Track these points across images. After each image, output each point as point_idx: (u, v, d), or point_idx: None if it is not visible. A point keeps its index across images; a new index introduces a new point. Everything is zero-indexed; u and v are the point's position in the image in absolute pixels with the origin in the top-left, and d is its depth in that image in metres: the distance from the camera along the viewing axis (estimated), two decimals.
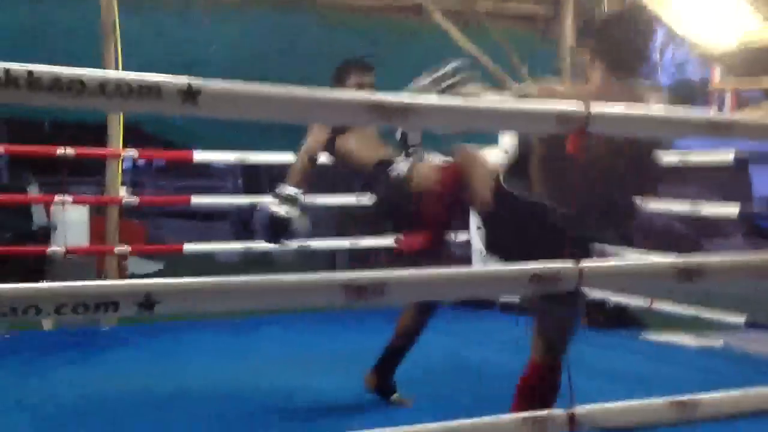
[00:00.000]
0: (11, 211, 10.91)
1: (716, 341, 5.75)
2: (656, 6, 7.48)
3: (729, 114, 7.26)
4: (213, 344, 5.46)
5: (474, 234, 6.64)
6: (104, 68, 5.83)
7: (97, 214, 6.90)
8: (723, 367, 4.94)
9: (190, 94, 1.50)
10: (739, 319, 5.29)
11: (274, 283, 1.66)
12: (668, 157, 5.99)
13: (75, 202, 5.75)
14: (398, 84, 8.39)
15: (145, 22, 6.73)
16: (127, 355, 5.16)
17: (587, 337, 5.78)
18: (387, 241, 7.42)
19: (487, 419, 2.03)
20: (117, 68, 5.96)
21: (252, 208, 13.04)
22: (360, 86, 4.27)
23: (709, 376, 4.37)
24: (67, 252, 5.58)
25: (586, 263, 1.94)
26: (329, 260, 11.62)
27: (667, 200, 6.05)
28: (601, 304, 6.22)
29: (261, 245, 6.19)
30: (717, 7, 6.62)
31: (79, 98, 1.43)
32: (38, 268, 9.19)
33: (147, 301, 1.56)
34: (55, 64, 4.95)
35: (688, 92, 4.20)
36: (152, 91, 1.47)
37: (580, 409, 2.02)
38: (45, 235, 11.06)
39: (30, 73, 1.41)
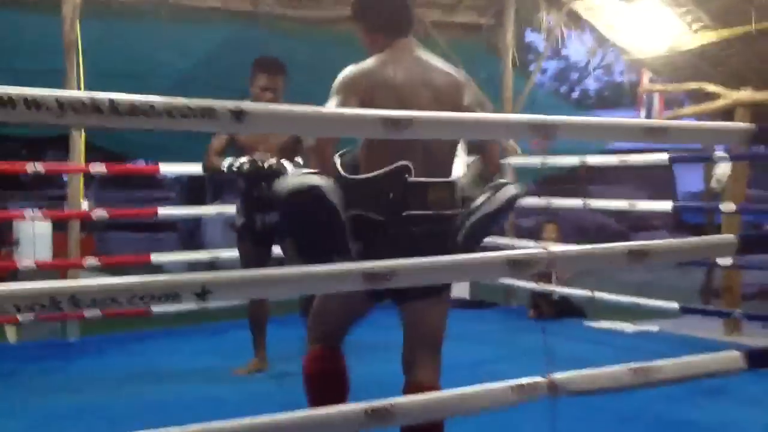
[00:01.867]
0: None
1: (652, 326, 6.20)
2: (589, 14, 7.95)
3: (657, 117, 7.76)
4: (187, 348, 5.63)
5: None
6: (66, 80, 5.98)
7: (57, 229, 6.99)
8: (659, 348, 5.33)
9: (238, 115, 1.79)
10: (674, 305, 5.65)
11: (310, 272, 1.95)
12: (608, 158, 6.46)
13: (45, 216, 5.85)
14: None
15: (104, 31, 6.85)
16: (99, 364, 5.24)
17: (535, 325, 6.22)
18: None
19: (477, 387, 2.34)
20: (78, 81, 6.07)
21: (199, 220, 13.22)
22: (264, 89, 4.52)
23: (647, 356, 4.75)
24: (37, 266, 5.68)
25: (556, 248, 2.28)
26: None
27: (603, 198, 6.44)
28: (547, 296, 6.62)
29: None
30: (646, 15, 7.06)
31: (151, 120, 1.71)
32: None
33: (203, 291, 1.84)
34: (17, 76, 5.13)
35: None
36: (208, 112, 1.76)
37: (558, 376, 2.36)
38: None
39: (111, 100, 1.68)
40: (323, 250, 2.49)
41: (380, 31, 2.81)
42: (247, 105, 1.81)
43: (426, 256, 2.26)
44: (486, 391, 2.36)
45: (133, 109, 1.70)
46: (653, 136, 2.46)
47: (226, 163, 4.44)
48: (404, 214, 2.52)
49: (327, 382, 2.68)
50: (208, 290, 1.85)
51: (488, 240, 6.82)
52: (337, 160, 2.60)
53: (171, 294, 1.82)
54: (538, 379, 2.38)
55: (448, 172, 2.70)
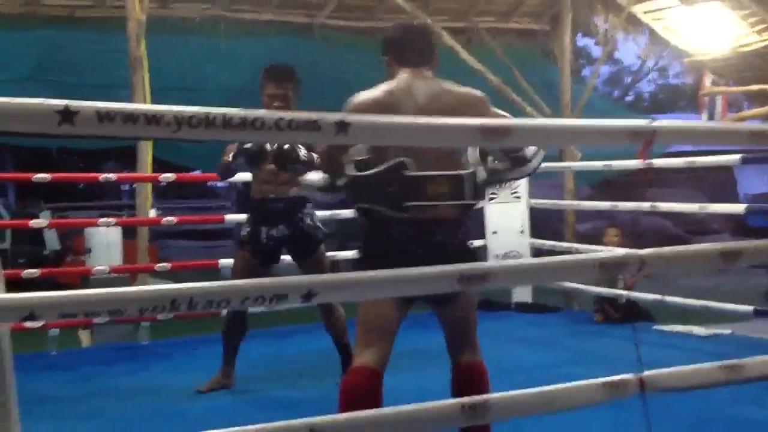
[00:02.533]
0: (24, 237, 11.19)
1: (725, 329, 6.09)
2: (648, 17, 7.93)
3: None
4: (252, 353, 5.73)
5: (489, 239, 7.03)
6: (133, 95, 6.16)
7: (125, 237, 7.20)
8: (734, 351, 5.25)
9: (342, 127, 1.87)
10: (748, 308, 5.56)
11: (405, 275, 2.02)
12: (674, 161, 6.37)
13: (119, 224, 6.03)
14: None
15: (163, 46, 7.03)
16: (171, 366, 5.40)
17: (602, 330, 6.18)
18: None
19: (570, 385, 2.39)
20: (144, 95, 6.23)
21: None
22: (271, 97, 4.35)
23: (722, 359, 4.71)
24: (111, 271, 5.86)
25: (647, 251, 2.31)
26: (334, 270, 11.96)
27: (667, 201, 6.35)
28: (613, 300, 6.56)
29: None
30: (708, 17, 7.02)
31: (261, 132, 1.80)
32: (61, 289, 9.47)
33: (309, 293, 1.93)
34: (85, 89, 5.31)
35: None
36: (314, 124, 1.84)
37: (647, 374, 2.39)
38: (57, 259, 11.37)
39: (224, 114, 1.77)
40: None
41: (400, 63, 3.08)
42: (350, 117, 1.89)
43: (430, 246, 2.74)
44: (577, 389, 2.40)
45: (244, 123, 1.79)
46: (759, 140, 2.44)
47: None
48: (404, 205, 2.77)
49: (371, 401, 2.67)
50: (314, 292, 1.94)
51: (550, 244, 6.87)
52: (351, 161, 2.92)
53: (281, 295, 1.90)
54: (629, 376, 2.41)
55: (456, 167, 2.90)
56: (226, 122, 1.78)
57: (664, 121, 2.14)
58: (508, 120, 2.04)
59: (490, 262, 2.15)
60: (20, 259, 10.75)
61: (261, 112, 1.83)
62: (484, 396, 2.15)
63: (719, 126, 2.53)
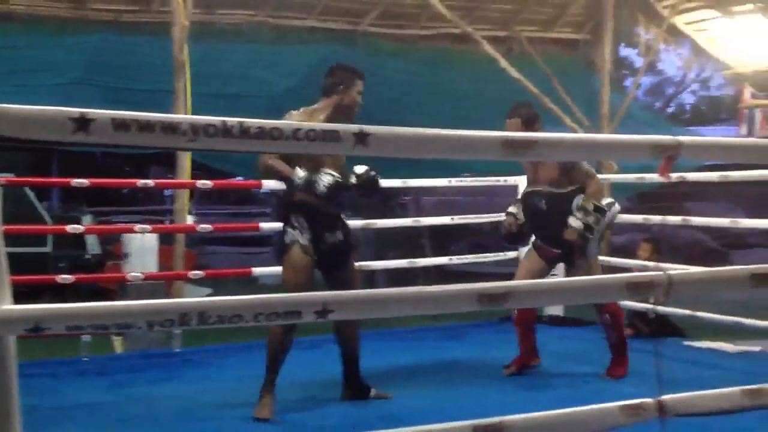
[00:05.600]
0: (66, 242, 11.33)
1: (755, 347, 6.00)
2: (689, 28, 7.81)
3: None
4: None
5: (521, 251, 6.94)
6: (175, 99, 6.20)
7: (162, 242, 7.24)
8: (763, 369, 5.17)
9: (362, 138, 1.84)
10: None
11: (424, 293, 1.99)
12: (708, 174, 6.27)
13: (154, 231, 6.07)
14: (453, 110, 8.65)
15: (207, 52, 7.07)
16: (203, 374, 5.41)
17: (632, 345, 6.09)
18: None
19: (586, 408, 2.33)
20: (186, 100, 6.26)
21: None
22: (360, 93, 4.42)
23: (752, 377, 4.61)
24: (146, 278, 5.89)
25: (676, 273, 2.25)
26: (368, 280, 11.98)
27: (699, 215, 6.24)
28: (644, 314, 6.47)
29: None
30: (749, 29, 6.90)
31: (278, 143, 1.78)
32: (101, 293, 9.57)
33: (324, 309, 1.90)
34: (132, 93, 5.36)
35: None
36: (333, 135, 1.82)
37: (667, 398, 2.33)
38: (97, 263, 11.50)
39: (241, 124, 1.76)
40: None
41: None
42: (370, 128, 1.86)
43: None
44: (596, 412, 2.35)
45: (261, 133, 1.77)
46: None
47: (301, 175, 4.15)
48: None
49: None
50: (329, 309, 1.91)
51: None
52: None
53: (293, 312, 1.88)
54: (648, 400, 2.35)
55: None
56: (244, 131, 1.77)
57: (687, 137, 2.09)
58: (531, 134, 2.00)
59: (511, 282, 2.10)
60: (61, 263, 10.88)
61: (278, 123, 1.81)
62: (499, 418, 2.10)
63: (745, 141, 2.46)
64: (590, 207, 4.69)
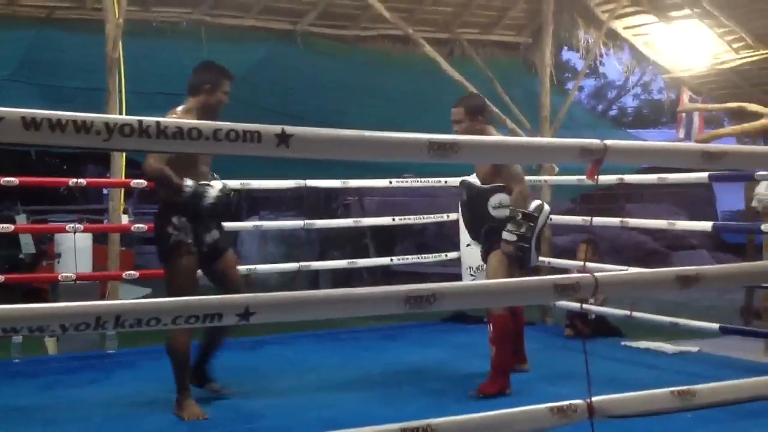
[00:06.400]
0: (0, 241, 11.07)
1: (692, 347, 6.10)
2: (628, 32, 7.92)
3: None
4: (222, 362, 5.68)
5: (464, 251, 6.98)
6: (108, 97, 6.07)
7: (97, 242, 7.10)
8: (699, 369, 5.25)
9: (284, 138, 1.80)
10: (714, 326, 5.56)
11: (350, 294, 1.96)
12: (647, 177, 6.39)
13: (86, 230, 5.94)
14: (393, 111, 8.63)
15: (144, 50, 6.94)
16: (136, 376, 5.31)
17: (571, 345, 6.16)
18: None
19: (517, 410, 2.34)
20: (120, 98, 6.13)
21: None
22: (226, 94, 4.43)
23: (688, 378, 4.68)
24: (77, 278, 5.77)
25: (602, 275, 2.26)
26: (312, 281, 11.92)
27: (641, 216, 6.33)
28: (584, 315, 6.54)
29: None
30: (687, 34, 7.01)
31: (197, 143, 1.73)
32: (35, 293, 9.35)
33: (246, 312, 1.86)
34: (67, 91, 5.25)
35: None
36: (254, 136, 1.78)
37: (597, 399, 2.34)
38: (32, 263, 11.25)
39: (158, 123, 1.71)
40: None
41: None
42: (292, 129, 1.83)
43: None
44: (525, 413, 2.35)
45: (179, 133, 1.72)
46: (711, 161, 2.39)
47: (189, 184, 4.21)
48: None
49: None
50: (251, 311, 1.87)
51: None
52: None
53: (214, 314, 1.84)
54: (578, 401, 2.36)
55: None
56: (161, 132, 1.72)
57: (614, 140, 2.09)
58: (455, 137, 1.98)
59: (439, 284, 2.08)
60: None
61: (198, 123, 1.77)
62: (426, 421, 2.08)
63: (671, 145, 2.49)
64: (518, 216, 4.62)
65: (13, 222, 10.11)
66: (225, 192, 4.32)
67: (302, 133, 1.84)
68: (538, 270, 4.94)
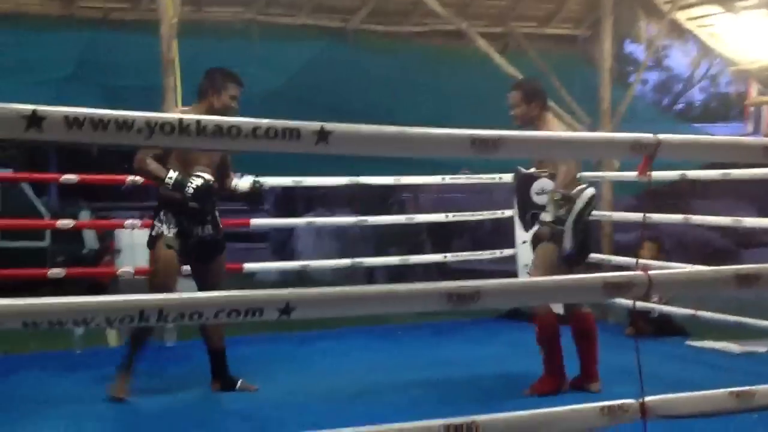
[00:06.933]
0: (63, 236, 11.32)
1: (759, 347, 5.90)
2: (692, 24, 7.73)
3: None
4: (270, 356, 5.77)
5: (519, 248, 6.90)
6: (164, 97, 6.15)
7: None
8: (766, 370, 5.10)
9: (323, 135, 1.79)
10: None
11: (390, 291, 1.95)
12: (710, 173, 6.19)
13: (143, 226, 6.03)
14: (444, 108, 8.58)
15: (198, 49, 7.02)
16: (191, 369, 5.37)
17: (632, 344, 6.00)
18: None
19: (566, 408, 2.29)
20: (176, 98, 6.21)
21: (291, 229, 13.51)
22: (233, 98, 4.49)
23: (753, 378, 4.53)
24: (136, 273, 5.86)
25: (656, 271, 2.20)
26: (367, 278, 11.94)
27: (708, 213, 6.17)
28: (646, 313, 6.38)
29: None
30: (754, 25, 6.81)
31: (236, 141, 1.74)
32: (98, 287, 9.55)
33: (286, 307, 1.86)
34: (125, 91, 5.39)
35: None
36: (293, 133, 1.77)
37: (650, 399, 2.28)
38: (94, 257, 11.48)
39: (198, 121, 1.71)
40: None
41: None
42: (331, 126, 1.82)
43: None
44: (574, 412, 2.30)
45: (219, 131, 1.72)
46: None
47: (172, 176, 4.32)
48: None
49: None
50: (292, 307, 1.86)
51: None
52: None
53: (255, 309, 1.84)
54: (630, 401, 2.30)
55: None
56: (201, 129, 1.73)
57: (667, 135, 2.03)
58: (499, 132, 1.94)
59: (484, 280, 2.05)
60: (59, 258, 10.87)
61: (238, 120, 1.77)
62: (472, 417, 2.05)
63: (730, 140, 2.40)
64: (557, 198, 4.43)
65: (76, 218, 10.32)
66: (207, 183, 4.36)
67: (341, 129, 1.83)
68: (586, 264, 4.74)
